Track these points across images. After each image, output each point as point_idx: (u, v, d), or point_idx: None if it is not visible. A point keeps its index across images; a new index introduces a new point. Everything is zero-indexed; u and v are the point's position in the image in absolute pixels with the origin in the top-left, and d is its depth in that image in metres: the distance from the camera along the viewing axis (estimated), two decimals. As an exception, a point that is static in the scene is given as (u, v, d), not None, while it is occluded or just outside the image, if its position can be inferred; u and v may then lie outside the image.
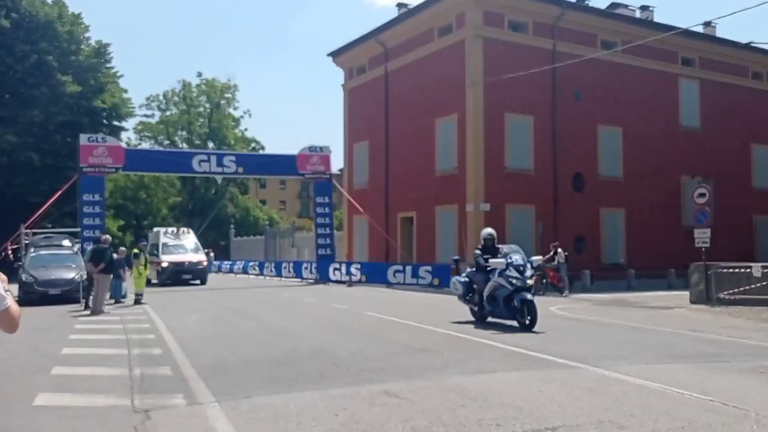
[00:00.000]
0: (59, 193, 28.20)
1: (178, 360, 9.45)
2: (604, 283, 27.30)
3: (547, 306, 18.44)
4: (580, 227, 30.14)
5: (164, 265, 29.55)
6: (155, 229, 34.15)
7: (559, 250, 23.90)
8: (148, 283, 27.09)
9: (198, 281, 30.33)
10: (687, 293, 19.77)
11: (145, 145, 62.90)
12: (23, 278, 19.84)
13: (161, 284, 28.78)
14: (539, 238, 27.96)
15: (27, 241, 24.23)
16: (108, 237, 19.46)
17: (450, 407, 6.44)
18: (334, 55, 38.46)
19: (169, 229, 33.20)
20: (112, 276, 18.30)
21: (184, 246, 31.42)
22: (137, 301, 19.40)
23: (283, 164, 32.55)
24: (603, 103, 30.99)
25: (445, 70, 29.96)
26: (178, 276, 29.69)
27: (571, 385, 7.47)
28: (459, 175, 28.99)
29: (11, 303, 3.10)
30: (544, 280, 23.35)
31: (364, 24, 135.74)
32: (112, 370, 8.72)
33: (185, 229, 33.73)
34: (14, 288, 19.62)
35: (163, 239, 31.30)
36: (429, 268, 26.71)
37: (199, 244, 32.72)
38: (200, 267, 30.79)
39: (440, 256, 29.61)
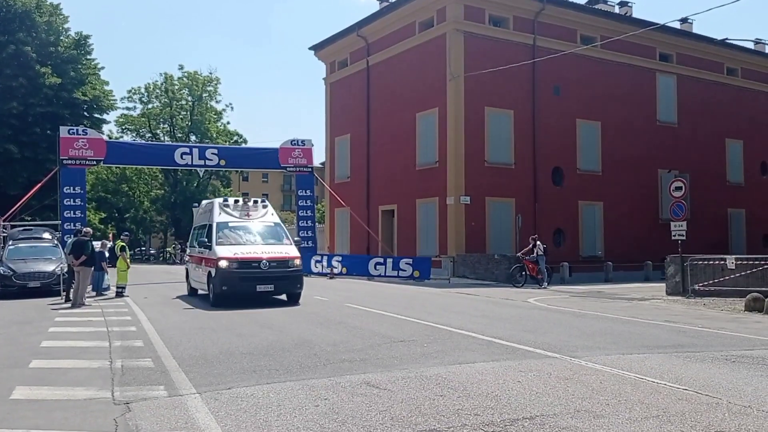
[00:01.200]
0: (39, 185, 27.93)
1: (160, 352, 9.46)
2: (582, 275, 27.67)
3: (525, 297, 18.69)
4: (558, 220, 30.45)
5: (222, 265, 15.81)
6: (204, 202, 20.56)
7: (538, 242, 24.15)
8: (194, 293, 18.79)
9: (283, 295, 16.87)
10: (663, 285, 20.12)
11: (127, 138, 62.31)
12: (1, 271, 19.63)
13: (216, 302, 15.71)
14: (519, 230, 28.20)
15: (5, 234, 23.96)
16: (89, 229, 19.29)
17: (429, 397, 6.55)
18: (316, 48, 38.37)
19: (231, 200, 19.02)
20: (93, 268, 18.18)
21: (253, 230, 17.56)
22: (119, 294, 19.30)
23: (265, 157, 32.42)
24: (582, 97, 31.28)
25: (426, 65, 30.05)
26: (249, 285, 15.80)
27: (548, 374, 7.61)
28: (440, 169, 29.12)
29: None
30: (523, 272, 23.68)
31: (346, 18, 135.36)
32: (92, 363, 8.71)
33: (258, 199, 19.17)
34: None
35: (218, 216, 17.63)
36: (410, 260, 26.88)
37: (283, 226, 18.40)
38: (291, 270, 16.43)
39: (421, 248, 29.77)
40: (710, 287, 18.25)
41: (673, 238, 19.72)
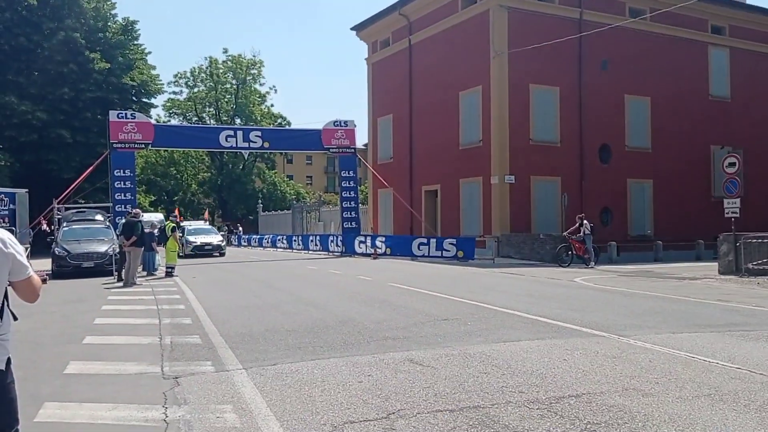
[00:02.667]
0: (90, 169, 28.62)
1: (207, 329, 9.65)
2: (631, 254, 27.14)
3: (572, 277, 18.42)
4: (606, 199, 29.84)
5: None
6: None
7: (585, 221, 23.72)
8: None
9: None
10: (716, 264, 19.58)
11: (174, 122, 63.44)
12: (56, 252, 20.26)
13: None
14: (565, 209, 27.76)
15: (60, 216, 24.71)
16: (139, 210, 19.80)
17: (473, 374, 6.51)
18: (358, 28, 38.22)
19: None
20: (143, 249, 18.63)
21: None
22: (168, 274, 19.75)
23: (309, 139, 32.64)
24: (631, 72, 30.43)
25: (469, 42, 29.63)
26: None
27: (596, 353, 7.48)
28: (483, 148, 28.79)
29: (33, 273, 3.22)
30: (570, 252, 23.31)
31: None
32: (142, 339, 8.95)
33: None
34: (47, 262, 20.11)
35: None
36: (453, 240, 26.74)
37: None
38: None
39: (465, 229, 29.59)
40: (765, 266, 17.69)
41: (726, 215, 19.15)
